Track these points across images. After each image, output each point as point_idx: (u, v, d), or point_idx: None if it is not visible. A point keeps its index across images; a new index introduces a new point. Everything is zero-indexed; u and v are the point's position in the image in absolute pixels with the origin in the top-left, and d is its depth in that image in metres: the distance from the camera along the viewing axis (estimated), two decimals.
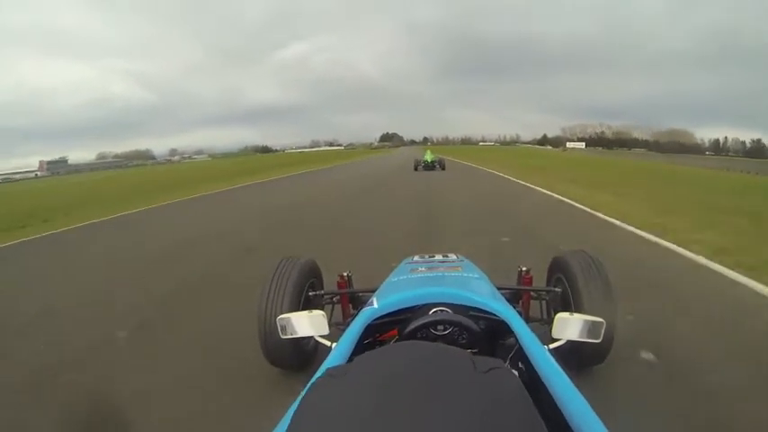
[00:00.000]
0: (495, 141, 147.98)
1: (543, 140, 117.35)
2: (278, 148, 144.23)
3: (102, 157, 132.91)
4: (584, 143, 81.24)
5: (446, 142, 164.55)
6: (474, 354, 0.60)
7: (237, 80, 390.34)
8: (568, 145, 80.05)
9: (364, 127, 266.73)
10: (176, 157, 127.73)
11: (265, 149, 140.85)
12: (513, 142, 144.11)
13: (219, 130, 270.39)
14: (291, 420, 0.53)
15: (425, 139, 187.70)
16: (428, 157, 18.97)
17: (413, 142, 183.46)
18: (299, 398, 0.59)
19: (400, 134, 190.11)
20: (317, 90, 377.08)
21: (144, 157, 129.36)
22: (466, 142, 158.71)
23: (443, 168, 18.38)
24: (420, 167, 18.35)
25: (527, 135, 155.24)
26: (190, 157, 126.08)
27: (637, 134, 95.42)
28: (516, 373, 0.90)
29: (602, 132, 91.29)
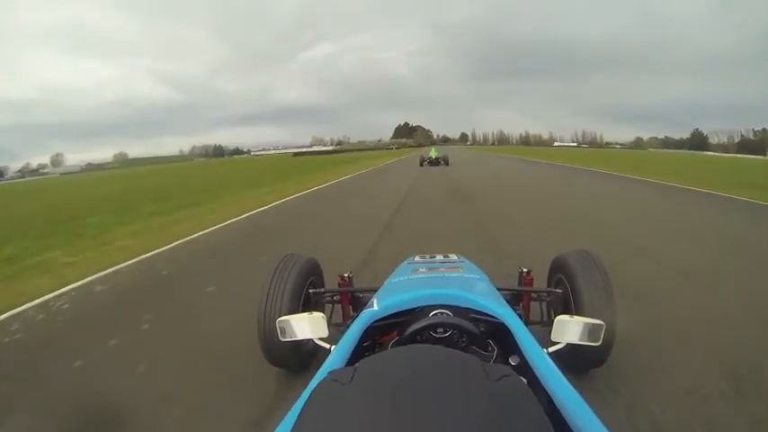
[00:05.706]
0: (579, 142, 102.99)
1: (697, 140, 70.35)
2: (247, 150, 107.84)
3: None
4: None
5: (502, 140, 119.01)
6: (483, 359, 0.56)
7: (261, 80, 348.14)
8: None
9: (386, 125, 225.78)
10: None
11: (219, 152, 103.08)
12: (604, 144, 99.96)
13: (243, 129, 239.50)
14: (295, 425, 0.52)
15: (464, 136, 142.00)
16: (433, 153, 22.09)
17: (446, 140, 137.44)
18: (300, 402, 0.57)
19: (427, 128, 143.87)
20: (337, 89, 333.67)
21: None
22: (526, 142, 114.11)
23: (447, 164, 20.63)
24: (425, 163, 20.85)
25: (612, 135, 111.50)
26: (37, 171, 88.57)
27: None
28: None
29: None
